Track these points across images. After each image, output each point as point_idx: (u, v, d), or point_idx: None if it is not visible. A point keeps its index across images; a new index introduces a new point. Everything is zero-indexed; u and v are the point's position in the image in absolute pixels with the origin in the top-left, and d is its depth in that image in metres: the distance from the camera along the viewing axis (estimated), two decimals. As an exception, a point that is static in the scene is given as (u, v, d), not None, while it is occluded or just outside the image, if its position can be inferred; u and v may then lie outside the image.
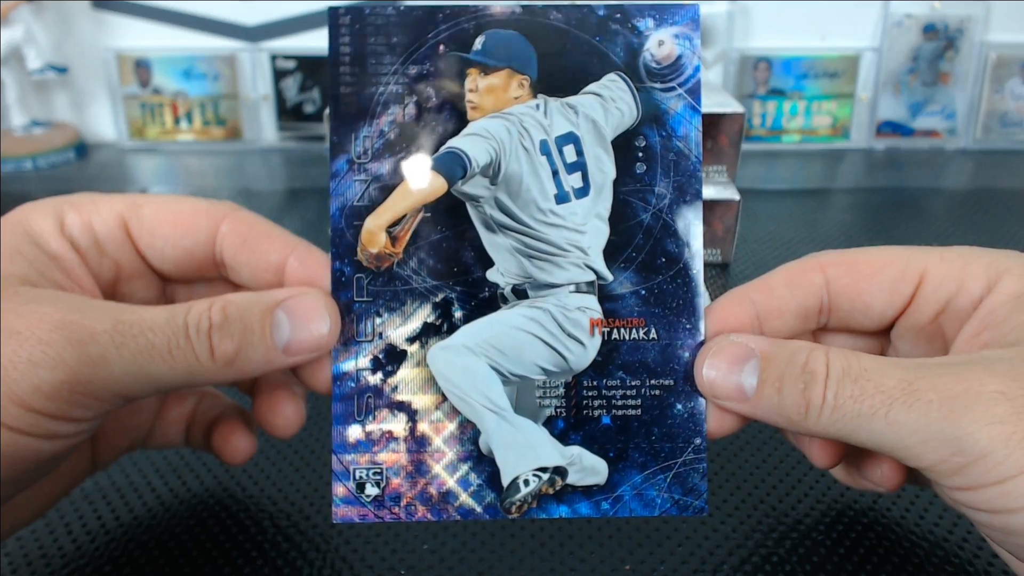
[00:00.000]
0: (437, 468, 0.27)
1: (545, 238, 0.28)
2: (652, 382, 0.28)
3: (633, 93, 0.28)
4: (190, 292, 0.31)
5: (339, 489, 0.27)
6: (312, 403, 0.31)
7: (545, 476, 0.27)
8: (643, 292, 0.28)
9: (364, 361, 0.27)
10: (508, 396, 0.27)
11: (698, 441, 0.27)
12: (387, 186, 0.28)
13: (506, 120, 0.28)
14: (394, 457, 0.27)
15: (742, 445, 0.38)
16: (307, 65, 0.92)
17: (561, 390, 0.28)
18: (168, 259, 0.29)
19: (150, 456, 0.37)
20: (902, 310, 0.28)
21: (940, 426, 0.22)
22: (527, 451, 0.27)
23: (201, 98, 0.93)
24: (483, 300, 0.28)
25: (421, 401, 0.27)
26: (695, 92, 0.28)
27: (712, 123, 0.59)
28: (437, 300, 0.28)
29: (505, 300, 0.28)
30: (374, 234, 0.27)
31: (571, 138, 0.28)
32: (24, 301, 0.24)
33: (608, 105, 0.28)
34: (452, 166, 0.27)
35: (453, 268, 0.28)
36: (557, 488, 0.27)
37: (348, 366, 0.27)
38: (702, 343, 0.27)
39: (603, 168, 0.28)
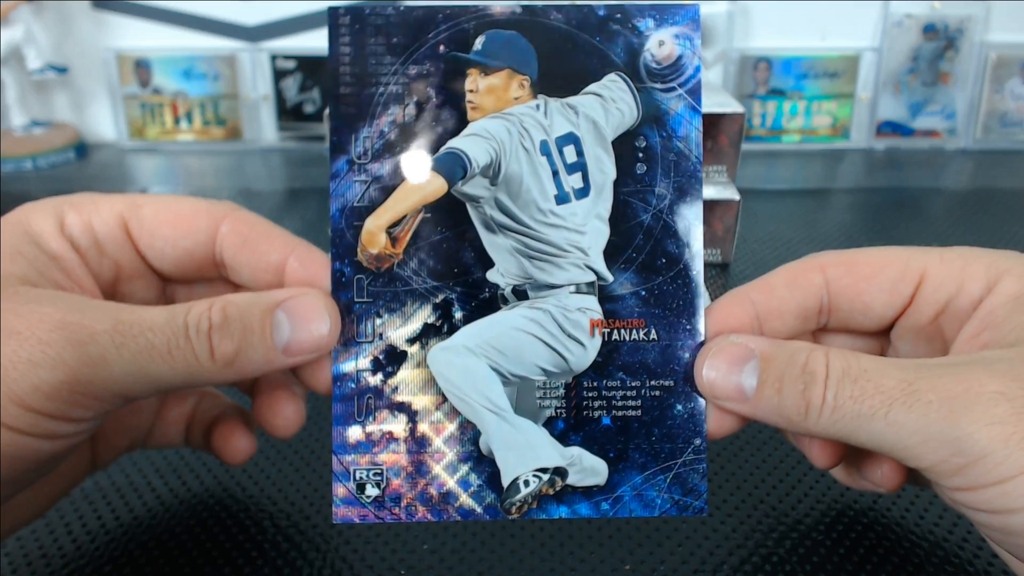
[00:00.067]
0: (437, 469, 0.27)
1: (545, 239, 0.28)
2: (652, 383, 0.28)
3: (633, 93, 0.28)
4: (190, 292, 0.31)
5: (339, 490, 0.27)
6: (312, 403, 0.31)
7: (545, 477, 0.27)
8: (643, 293, 0.28)
9: (364, 362, 0.27)
10: (508, 397, 0.27)
11: (698, 442, 0.27)
12: (387, 187, 0.27)
13: (506, 120, 0.28)
14: (394, 458, 0.27)
15: (742, 445, 0.38)
16: (307, 65, 0.92)
17: (561, 391, 0.28)
18: (168, 259, 0.29)
19: (150, 456, 0.37)
20: (902, 310, 0.28)
21: (940, 426, 0.22)
22: (527, 452, 0.27)
23: (201, 98, 0.93)
24: (483, 301, 0.28)
25: (421, 402, 0.27)
26: (695, 92, 0.28)
27: (712, 123, 0.59)
28: (437, 301, 0.28)
29: (505, 301, 0.28)
30: (374, 235, 0.27)
31: (571, 138, 0.28)
32: (24, 301, 0.24)
33: (608, 105, 0.28)
34: (452, 166, 0.27)
35: (453, 269, 0.28)
36: (557, 489, 0.27)
37: (348, 367, 0.27)
38: (702, 344, 0.27)
39: (603, 169, 0.28)
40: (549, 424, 0.27)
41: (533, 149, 0.28)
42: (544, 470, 0.27)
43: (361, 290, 0.27)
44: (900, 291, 0.27)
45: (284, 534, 0.33)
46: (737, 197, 0.57)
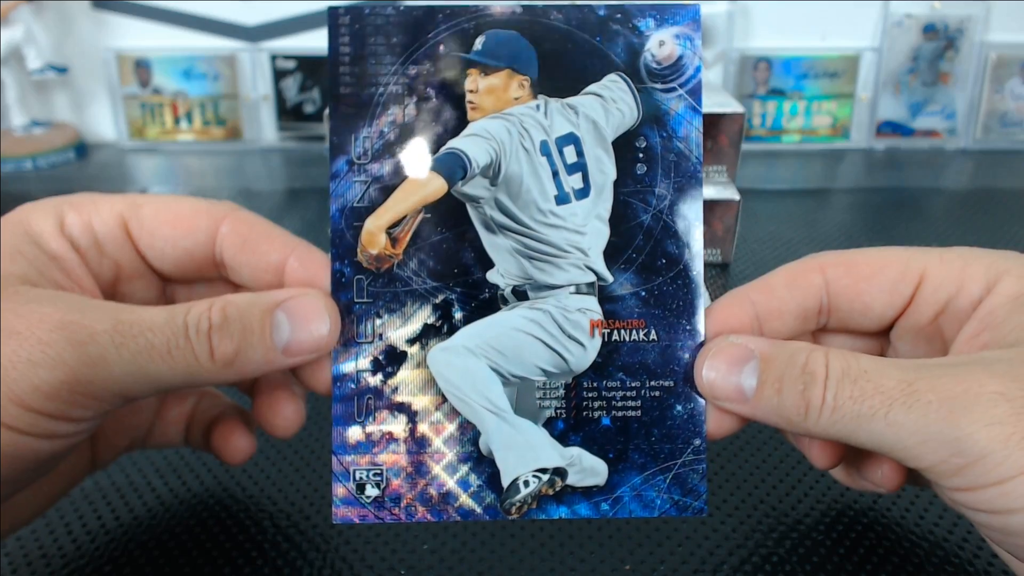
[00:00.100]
0: (437, 469, 0.27)
1: (545, 239, 0.28)
2: (652, 383, 0.28)
3: (634, 94, 0.28)
4: (190, 292, 0.31)
5: (339, 490, 0.27)
6: (312, 403, 0.31)
7: (545, 477, 0.27)
8: (643, 293, 0.28)
9: (364, 362, 0.27)
10: (508, 397, 0.27)
11: (697, 442, 0.27)
12: (387, 187, 0.27)
13: (506, 121, 0.28)
14: (394, 458, 0.27)
15: (742, 445, 0.38)
16: (307, 65, 0.92)
17: (561, 391, 0.28)
18: (168, 259, 0.29)
19: (150, 456, 0.37)
20: (902, 311, 0.28)
21: (939, 427, 0.22)
22: (527, 452, 0.27)
23: (201, 98, 0.93)
24: (483, 301, 0.28)
25: (421, 402, 0.27)
26: (696, 93, 0.28)
27: (712, 123, 0.59)
28: (437, 301, 0.28)
29: (505, 301, 0.28)
30: (374, 235, 0.27)
31: (571, 139, 0.28)
32: (24, 301, 0.24)
33: (609, 106, 0.28)
34: (452, 167, 0.27)
35: (453, 269, 0.28)
36: (557, 489, 0.27)
37: (348, 367, 0.27)
38: (702, 344, 0.27)
39: (603, 169, 0.28)
40: (549, 424, 0.27)
41: (533, 149, 0.28)
42: (544, 470, 0.27)
43: (361, 290, 0.27)
44: (900, 291, 0.27)
45: (284, 534, 0.33)
46: (737, 197, 0.57)
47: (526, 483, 0.27)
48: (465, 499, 0.27)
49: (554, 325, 0.28)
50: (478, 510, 0.27)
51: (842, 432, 0.24)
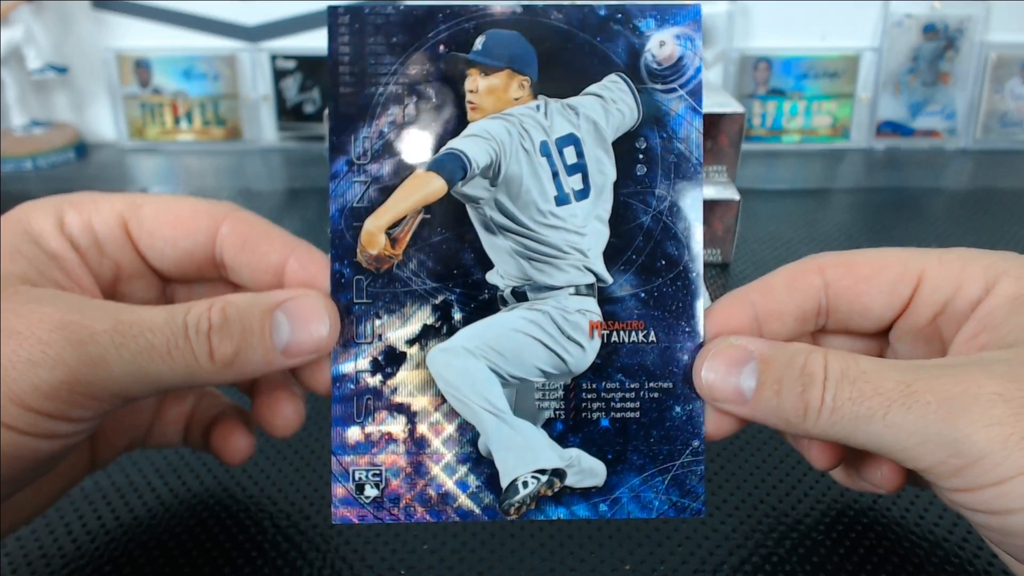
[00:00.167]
0: (436, 470, 0.27)
1: (545, 240, 0.28)
2: (651, 384, 0.28)
3: (634, 94, 0.28)
4: (190, 292, 0.31)
5: (338, 490, 0.27)
6: (312, 403, 0.31)
7: (544, 478, 0.27)
8: (642, 295, 0.28)
9: (363, 363, 0.27)
10: (507, 398, 0.27)
11: (696, 443, 0.27)
12: (387, 187, 0.27)
13: (506, 121, 0.28)
14: (393, 459, 0.27)
15: (742, 445, 0.38)
16: (307, 65, 0.92)
17: (560, 392, 0.28)
18: (168, 259, 0.29)
19: (150, 456, 0.37)
20: (900, 312, 0.28)
21: (938, 428, 0.22)
22: (526, 453, 0.27)
23: (201, 98, 0.93)
24: (483, 302, 0.28)
25: (420, 403, 0.27)
26: (696, 93, 0.28)
27: (712, 123, 0.59)
28: (437, 302, 0.28)
29: (504, 302, 0.28)
30: (374, 236, 0.27)
31: (571, 139, 0.28)
32: (24, 301, 0.24)
33: (609, 106, 0.28)
34: (452, 167, 0.27)
35: (453, 270, 0.28)
36: (555, 490, 0.27)
37: (347, 368, 0.27)
38: (701, 346, 0.27)
39: (603, 170, 0.28)
40: (548, 425, 0.28)
41: (533, 150, 0.28)
42: (543, 471, 0.27)
43: (360, 291, 0.27)
44: (899, 292, 0.27)
45: (284, 534, 0.33)
46: (737, 197, 0.57)
47: (525, 484, 0.27)
48: (464, 500, 0.27)
49: (553, 326, 0.28)
50: (477, 511, 0.27)
51: (841, 433, 0.24)
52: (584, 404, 0.28)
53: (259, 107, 0.93)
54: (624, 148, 0.28)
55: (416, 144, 0.28)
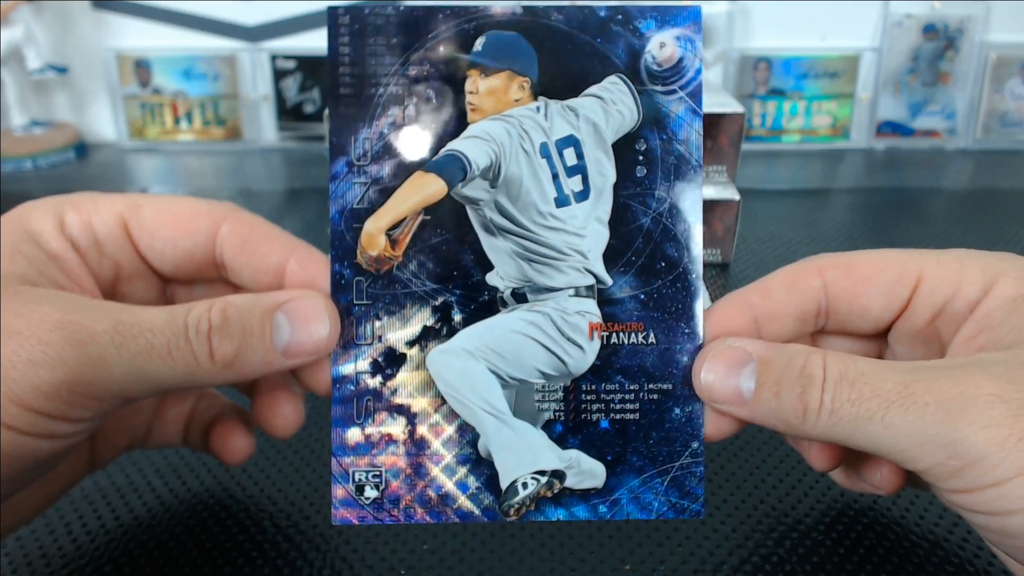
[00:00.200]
0: (436, 471, 0.27)
1: (545, 242, 0.28)
2: (650, 386, 0.28)
3: (634, 96, 0.28)
4: (190, 293, 0.31)
5: (338, 491, 0.27)
6: (312, 403, 0.31)
7: (543, 479, 0.27)
8: (642, 296, 0.28)
9: (363, 364, 0.27)
10: (507, 400, 0.27)
11: (695, 445, 0.27)
12: (387, 188, 0.28)
13: (506, 122, 0.28)
14: (393, 460, 0.27)
15: (742, 445, 0.38)
16: (307, 65, 0.92)
17: (560, 394, 0.28)
18: (168, 260, 0.29)
19: (150, 456, 0.37)
20: (899, 313, 0.28)
21: (936, 429, 0.22)
22: (526, 454, 0.27)
23: (201, 98, 0.93)
24: (482, 304, 0.28)
25: (420, 404, 0.27)
26: (696, 95, 0.28)
27: (712, 123, 0.59)
28: (436, 303, 0.28)
29: (504, 304, 0.28)
30: (374, 237, 0.27)
31: (571, 141, 0.28)
32: (24, 301, 0.24)
33: (609, 108, 0.28)
34: (452, 169, 0.27)
35: (453, 271, 0.28)
36: (555, 491, 0.27)
37: (347, 369, 0.27)
38: (700, 347, 0.27)
39: (603, 171, 0.28)
40: (547, 427, 0.28)
41: (533, 151, 0.28)
42: (542, 473, 0.27)
43: (360, 292, 0.27)
44: (897, 294, 0.27)
45: (284, 534, 0.33)
46: (737, 197, 0.57)
47: (524, 485, 0.27)
48: (464, 501, 0.27)
49: (553, 328, 0.28)
50: (476, 512, 0.27)
51: (840, 435, 0.24)
52: (584, 405, 0.28)
53: (259, 107, 0.93)
54: (624, 150, 0.28)
55: (416, 145, 0.28)
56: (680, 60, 0.28)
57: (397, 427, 0.27)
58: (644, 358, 0.28)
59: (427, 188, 0.27)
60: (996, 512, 0.22)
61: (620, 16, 0.28)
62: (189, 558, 0.32)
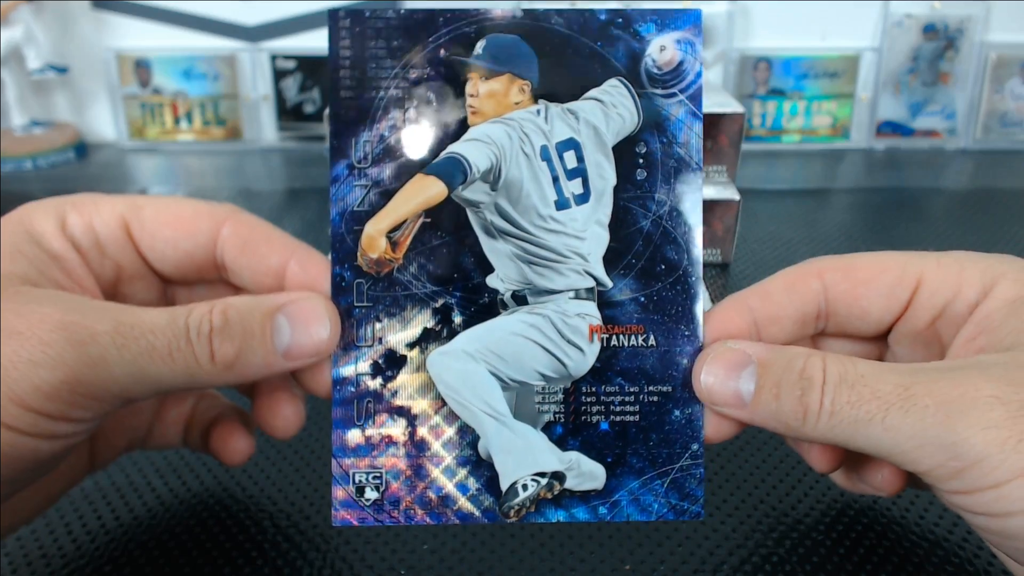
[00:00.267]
0: (436, 472, 0.27)
1: (545, 244, 0.28)
2: (650, 388, 0.28)
3: (634, 99, 0.28)
4: (191, 294, 0.31)
5: (338, 492, 0.27)
6: (312, 404, 0.31)
7: (543, 481, 0.27)
8: (642, 299, 0.28)
9: (364, 366, 0.28)
10: (507, 402, 0.27)
11: (695, 447, 0.28)
12: (387, 191, 0.28)
13: (507, 125, 0.28)
14: (393, 461, 0.27)
15: (742, 446, 0.38)
16: (307, 65, 0.92)
17: (560, 396, 0.28)
18: (169, 261, 0.29)
19: (150, 456, 0.37)
20: (899, 315, 0.28)
21: (936, 431, 0.22)
22: (526, 456, 0.27)
23: (201, 98, 0.93)
24: (483, 306, 0.28)
25: (420, 406, 0.28)
26: (696, 98, 0.28)
27: (712, 123, 0.59)
28: (437, 305, 0.28)
29: (505, 306, 0.28)
30: (374, 239, 0.27)
31: (572, 144, 0.28)
32: (25, 301, 0.24)
33: (609, 111, 0.28)
34: (452, 171, 0.28)
35: (453, 274, 0.28)
36: (555, 493, 0.27)
37: (348, 371, 0.28)
38: (700, 349, 0.27)
39: (603, 174, 0.28)
40: (548, 429, 0.28)
41: (533, 154, 0.28)
42: (542, 474, 0.27)
43: (361, 294, 0.28)
44: (897, 296, 0.27)
45: (284, 534, 0.33)
46: (737, 197, 0.57)
47: (524, 487, 0.27)
48: (464, 502, 0.27)
49: (553, 330, 0.28)
50: (477, 513, 0.27)
51: (840, 437, 0.24)
52: (584, 407, 0.28)
53: (259, 107, 0.93)
54: (624, 152, 0.28)
55: (417, 148, 0.28)
56: (680, 63, 0.28)
57: (397, 429, 0.27)
58: (644, 360, 0.28)
59: (428, 191, 0.28)
60: (996, 513, 0.22)
61: (620, 19, 0.28)
62: (189, 558, 0.32)
